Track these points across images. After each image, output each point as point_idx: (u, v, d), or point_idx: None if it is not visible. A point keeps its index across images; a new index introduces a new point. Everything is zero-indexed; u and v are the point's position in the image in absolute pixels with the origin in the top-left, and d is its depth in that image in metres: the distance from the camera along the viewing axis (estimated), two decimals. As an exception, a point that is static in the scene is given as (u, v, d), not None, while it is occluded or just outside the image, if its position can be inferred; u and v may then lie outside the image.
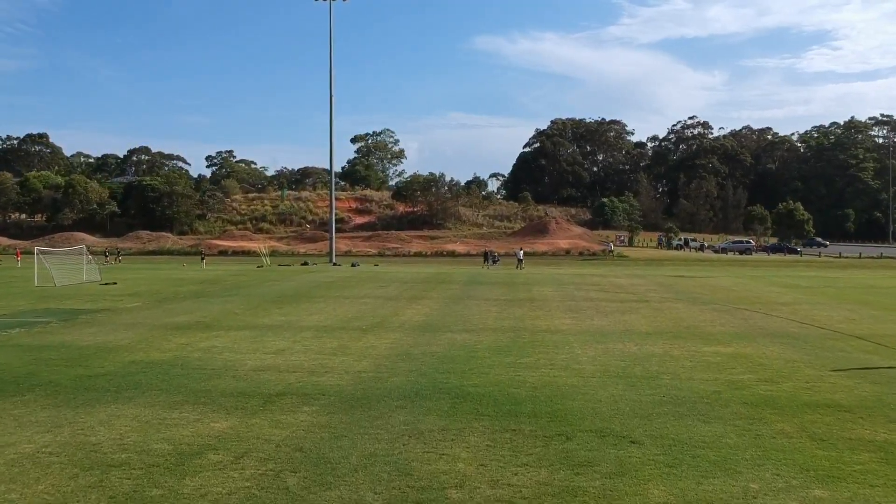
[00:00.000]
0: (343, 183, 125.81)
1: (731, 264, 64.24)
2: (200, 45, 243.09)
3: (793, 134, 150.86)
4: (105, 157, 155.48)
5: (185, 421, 10.14)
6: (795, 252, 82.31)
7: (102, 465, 8.23)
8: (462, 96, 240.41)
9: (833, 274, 50.60)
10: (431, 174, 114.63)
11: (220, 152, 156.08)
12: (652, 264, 63.86)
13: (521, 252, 59.28)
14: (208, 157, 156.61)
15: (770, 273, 50.51)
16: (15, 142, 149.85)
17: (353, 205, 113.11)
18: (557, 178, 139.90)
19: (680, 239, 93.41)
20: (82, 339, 17.81)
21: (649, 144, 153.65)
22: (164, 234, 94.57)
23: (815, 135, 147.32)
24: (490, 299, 28.50)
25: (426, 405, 11.04)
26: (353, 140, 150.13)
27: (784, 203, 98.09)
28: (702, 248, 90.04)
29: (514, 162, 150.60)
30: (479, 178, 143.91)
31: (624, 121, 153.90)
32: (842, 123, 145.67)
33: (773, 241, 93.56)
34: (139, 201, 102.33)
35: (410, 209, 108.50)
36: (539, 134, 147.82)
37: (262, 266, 58.83)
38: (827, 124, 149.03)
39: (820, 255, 78.40)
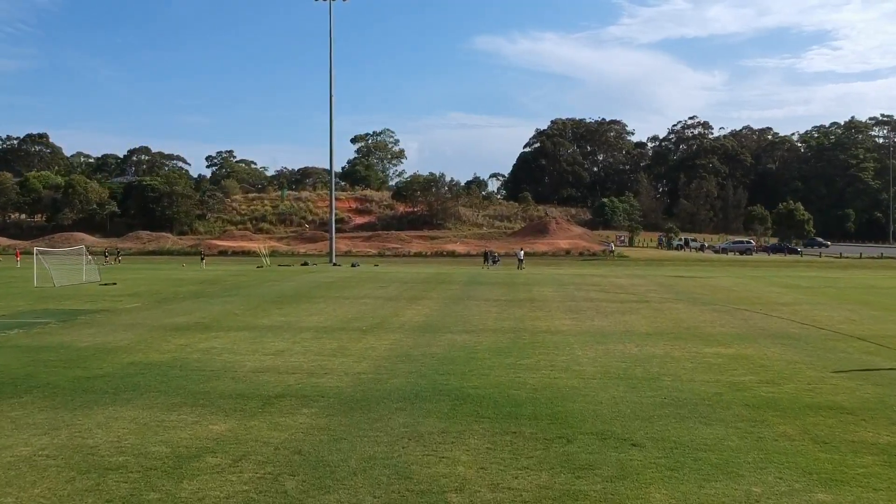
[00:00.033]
0: (343, 183, 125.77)
1: (731, 264, 64.17)
2: (200, 45, 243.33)
3: (793, 134, 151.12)
4: (105, 157, 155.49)
5: (184, 423, 10.08)
6: (796, 252, 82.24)
7: (99, 469, 8.16)
8: (462, 96, 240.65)
9: (833, 274, 50.53)
10: (431, 174, 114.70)
11: (220, 152, 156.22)
12: (652, 264, 63.79)
13: (522, 252, 59.23)
14: (208, 157, 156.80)
15: (770, 273, 50.44)
16: (15, 142, 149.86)
17: (353, 205, 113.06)
18: (557, 178, 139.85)
19: (680, 239, 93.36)
20: (81, 340, 17.75)
21: (649, 144, 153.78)
22: (163, 234, 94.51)
23: (816, 135, 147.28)
24: (490, 300, 28.44)
25: (426, 407, 10.98)
26: (353, 140, 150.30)
27: (784, 203, 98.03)
28: (702, 248, 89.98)
29: (514, 162, 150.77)
30: (479, 178, 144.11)
31: (624, 121, 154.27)
32: (842, 123, 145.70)
33: (774, 241, 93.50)
34: (139, 201, 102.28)
35: (410, 209, 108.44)
36: (539, 134, 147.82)
37: (261, 266, 58.77)
38: (827, 124, 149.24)
39: (820, 256, 78.32)
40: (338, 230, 75.19)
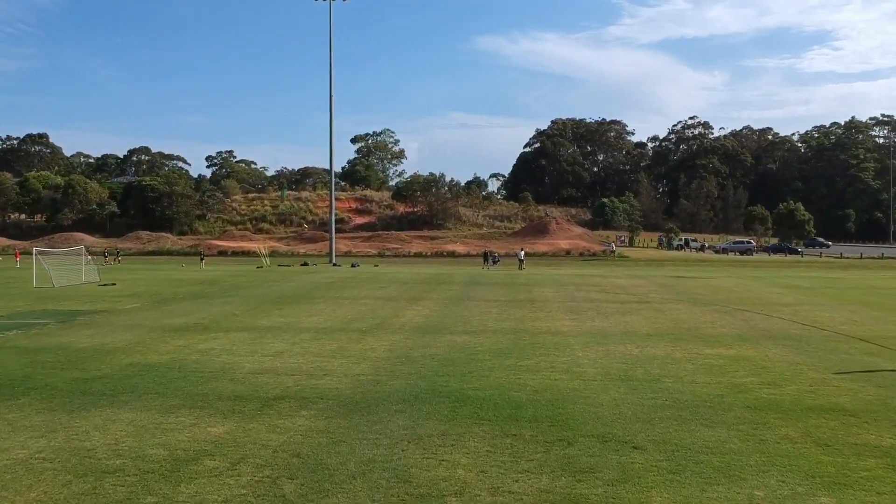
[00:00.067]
0: (343, 183, 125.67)
1: (731, 265, 64.11)
2: (200, 45, 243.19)
3: (793, 134, 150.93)
4: (105, 157, 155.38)
5: (182, 425, 10.01)
6: (796, 252, 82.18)
7: (96, 472, 8.10)
8: (462, 96, 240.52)
9: (834, 274, 50.46)
10: (431, 174, 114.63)
11: (220, 152, 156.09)
12: (652, 265, 63.72)
13: (523, 252, 59.18)
14: (208, 158, 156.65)
15: (771, 274, 50.37)
16: (15, 142, 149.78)
17: (353, 205, 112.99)
18: (558, 178, 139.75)
19: (680, 239, 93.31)
20: (79, 341, 17.68)
21: (650, 144, 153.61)
22: (163, 234, 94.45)
23: (816, 135, 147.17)
24: (490, 300, 28.37)
25: (426, 409, 10.91)
26: (353, 140, 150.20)
27: (785, 203, 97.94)
28: (702, 248, 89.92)
29: (515, 162, 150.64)
30: (479, 178, 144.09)
31: (624, 121, 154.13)
32: (842, 123, 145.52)
33: (774, 241, 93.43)
34: (139, 201, 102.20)
35: (410, 209, 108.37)
36: (539, 134, 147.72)
37: (261, 266, 58.71)
38: (827, 124, 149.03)
39: (821, 256, 78.25)
40: (338, 230, 75.13)
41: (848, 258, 73.60)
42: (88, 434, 9.59)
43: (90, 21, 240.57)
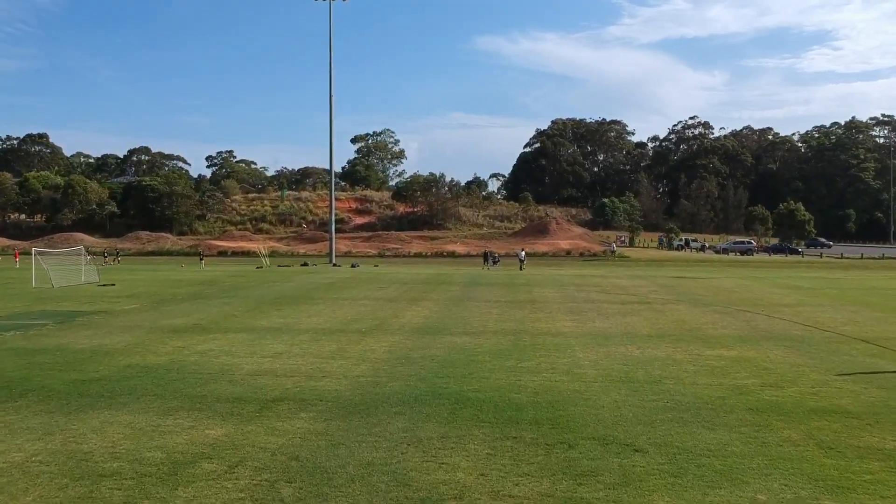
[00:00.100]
0: (343, 183, 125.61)
1: (732, 265, 64.05)
2: (200, 45, 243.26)
3: (793, 134, 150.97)
4: (105, 157, 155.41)
5: (180, 428, 9.94)
6: (796, 252, 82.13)
7: (93, 475, 8.02)
8: (462, 96, 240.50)
9: (835, 275, 50.40)
10: (431, 174, 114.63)
11: (220, 152, 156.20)
12: (653, 265, 63.67)
13: (524, 253, 59.16)
14: (208, 158, 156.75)
15: (772, 274, 50.31)
16: (15, 142, 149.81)
17: (353, 205, 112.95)
18: (558, 178, 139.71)
19: (681, 239, 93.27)
20: (78, 343, 17.62)
21: (650, 144, 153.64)
22: (163, 234, 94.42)
23: (816, 135, 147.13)
24: (490, 301, 28.30)
25: (425, 411, 10.84)
26: (354, 140, 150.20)
27: (785, 203, 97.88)
28: (703, 248, 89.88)
29: (515, 162, 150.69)
30: (479, 178, 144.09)
31: (624, 121, 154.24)
32: (843, 123, 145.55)
33: (774, 241, 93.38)
34: (139, 201, 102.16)
35: (410, 209, 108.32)
36: (539, 134, 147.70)
37: (261, 267, 58.65)
38: (828, 124, 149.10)
39: (822, 256, 78.17)
40: (338, 230, 75.06)
41: (848, 258, 73.53)
42: (86, 437, 9.52)
43: (90, 21, 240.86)
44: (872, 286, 38.69)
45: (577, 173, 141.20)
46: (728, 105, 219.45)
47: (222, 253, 79.13)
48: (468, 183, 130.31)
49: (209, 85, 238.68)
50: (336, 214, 75.12)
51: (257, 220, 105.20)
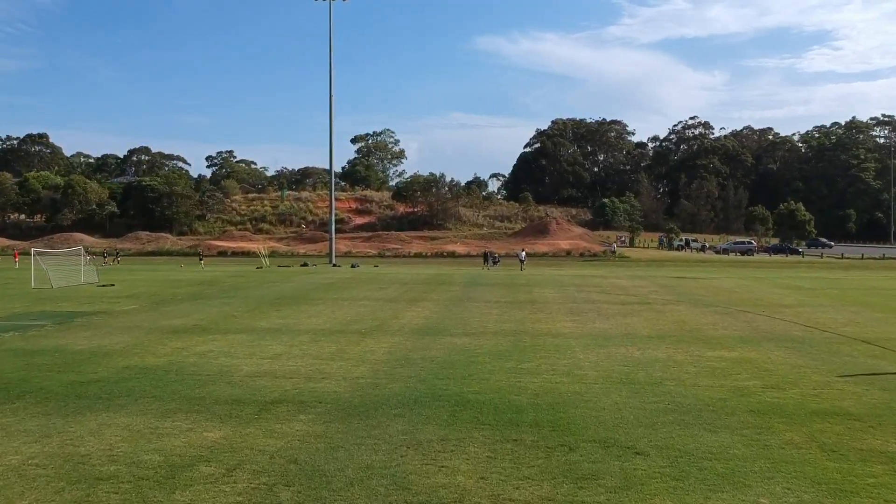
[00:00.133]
0: (343, 183, 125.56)
1: (732, 265, 63.98)
2: (200, 45, 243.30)
3: (794, 134, 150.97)
4: (105, 157, 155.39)
5: (178, 430, 9.87)
6: (797, 253, 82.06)
7: (90, 479, 7.96)
8: (462, 96, 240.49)
9: (835, 275, 50.33)
10: (432, 174, 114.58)
11: (220, 152, 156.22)
12: (653, 265, 63.60)
13: (524, 253, 59.10)
14: (208, 158, 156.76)
15: (772, 274, 50.24)
16: (15, 142, 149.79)
17: (353, 205, 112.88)
18: (558, 178, 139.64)
19: (681, 239, 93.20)
20: (76, 344, 17.55)
21: (650, 145, 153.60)
22: (163, 234, 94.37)
23: (817, 135, 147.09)
24: (490, 301, 28.24)
25: (425, 413, 10.77)
26: (354, 140, 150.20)
27: (785, 203, 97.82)
28: (703, 248, 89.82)
29: (515, 162, 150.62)
30: (479, 178, 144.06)
31: (624, 121, 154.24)
32: (843, 123, 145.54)
33: (775, 241, 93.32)
34: (139, 202, 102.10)
35: (410, 209, 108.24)
36: (539, 134, 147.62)
37: (261, 267, 58.59)
38: (828, 124, 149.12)
39: (822, 256, 78.11)
40: (338, 230, 75.01)
41: (849, 259, 73.46)
42: (83, 439, 9.45)
43: (90, 21, 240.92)
44: (873, 286, 38.62)
45: (578, 173, 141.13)
46: (728, 105, 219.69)
47: (222, 253, 79.06)
48: (468, 183, 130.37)
49: (209, 85, 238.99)
50: (336, 214, 75.07)
51: (257, 221, 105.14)
